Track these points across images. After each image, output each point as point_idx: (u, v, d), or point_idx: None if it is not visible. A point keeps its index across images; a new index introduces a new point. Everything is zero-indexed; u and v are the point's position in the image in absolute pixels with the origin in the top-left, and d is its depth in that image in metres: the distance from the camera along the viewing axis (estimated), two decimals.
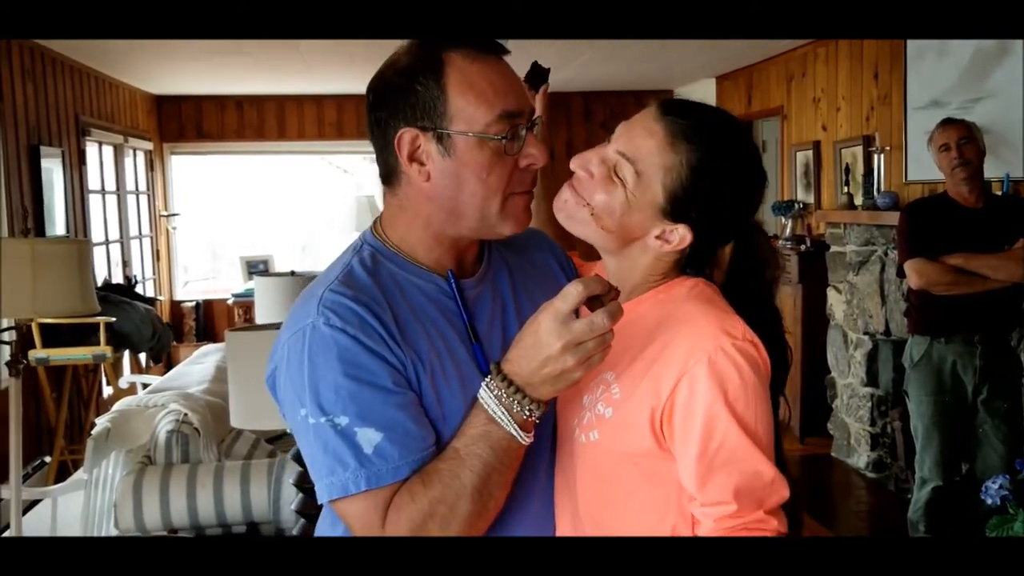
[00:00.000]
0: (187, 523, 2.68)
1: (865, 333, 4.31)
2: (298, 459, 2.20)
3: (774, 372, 1.07)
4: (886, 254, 4.13)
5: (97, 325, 4.31)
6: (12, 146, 4.40)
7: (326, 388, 1.00)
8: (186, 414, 2.89)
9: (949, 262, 3.02)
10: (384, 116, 1.07)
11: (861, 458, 4.40)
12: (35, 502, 3.75)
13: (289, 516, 2.61)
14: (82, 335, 4.38)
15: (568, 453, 1.12)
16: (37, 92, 4.75)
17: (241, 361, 2.06)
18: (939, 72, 4.03)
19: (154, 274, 6.97)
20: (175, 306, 7.29)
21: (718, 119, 1.11)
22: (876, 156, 4.45)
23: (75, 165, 5.25)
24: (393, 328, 1.03)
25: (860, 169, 4.66)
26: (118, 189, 6.22)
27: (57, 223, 4.93)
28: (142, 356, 5.24)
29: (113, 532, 2.72)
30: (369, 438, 0.99)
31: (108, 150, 6.09)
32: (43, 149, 4.72)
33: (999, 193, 3.41)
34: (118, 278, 5.98)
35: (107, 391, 5.25)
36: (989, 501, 2.24)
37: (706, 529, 1.03)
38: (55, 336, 4.28)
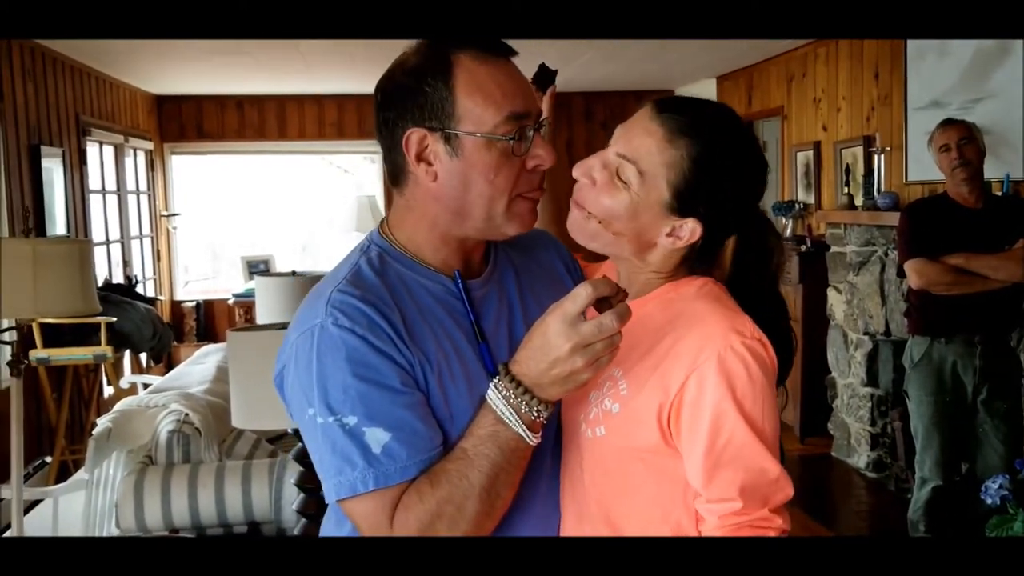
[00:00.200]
0: (188, 523, 2.68)
1: (865, 333, 4.31)
2: (299, 459, 2.20)
3: (779, 361, 1.08)
4: (886, 254, 4.13)
5: (98, 325, 4.31)
6: (13, 146, 4.40)
7: (334, 388, 1.01)
8: (187, 414, 2.89)
9: (949, 262, 3.03)
10: (392, 116, 1.08)
11: (861, 458, 4.40)
12: (36, 502, 3.75)
13: (290, 516, 2.62)
14: (83, 335, 4.38)
15: (574, 449, 1.12)
16: (38, 92, 4.75)
17: (243, 361, 2.07)
18: (939, 72, 4.03)
19: (154, 274, 6.97)
20: (175, 306, 7.29)
21: (713, 111, 1.12)
22: (876, 156, 4.45)
23: (76, 165, 5.25)
24: (401, 328, 1.03)
25: (860, 169, 4.66)
26: (119, 189, 6.23)
27: (58, 223, 4.93)
28: (143, 356, 5.25)
29: (114, 532, 2.72)
30: (377, 438, 1.00)
31: (109, 150, 6.09)
32: (44, 149, 4.72)
33: (999, 193, 3.42)
34: (119, 278, 5.98)
35: (108, 391, 5.25)
36: (989, 501, 2.24)
37: (710, 526, 1.04)
38: (56, 336, 4.29)
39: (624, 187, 1.08)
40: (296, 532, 2.23)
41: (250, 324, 3.98)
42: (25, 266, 2.54)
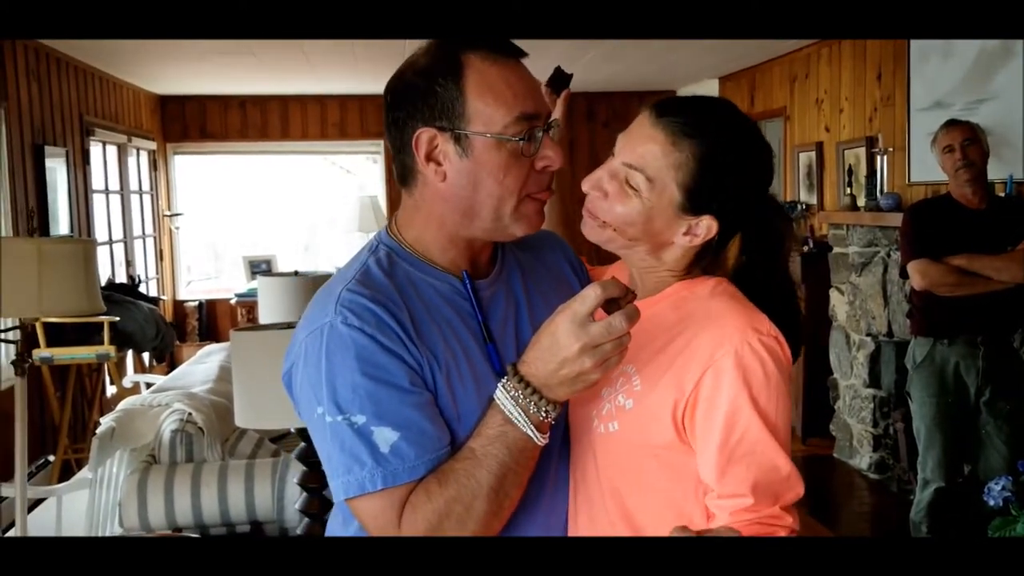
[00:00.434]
0: (191, 522, 2.69)
1: (868, 334, 4.31)
2: (302, 458, 2.20)
3: (789, 343, 1.09)
4: (889, 255, 4.13)
5: (101, 324, 4.32)
6: (17, 146, 4.41)
7: (343, 387, 1.01)
8: (190, 413, 2.90)
9: (952, 263, 3.02)
10: (402, 116, 1.08)
11: (863, 459, 4.40)
12: (40, 501, 3.76)
13: (293, 515, 2.62)
14: (86, 334, 4.39)
15: (586, 445, 1.13)
16: (41, 92, 4.76)
17: (246, 361, 2.07)
18: (943, 73, 4.03)
19: (157, 274, 6.98)
20: (178, 306, 7.30)
21: (711, 107, 1.13)
22: (879, 157, 4.44)
23: (79, 165, 5.26)
24: (410, 328, 1.04)
25: (863, 170, 4.66)
26: (122, 189, 6.24)
27: (61, 223, 4.94)
28: (145, 355, 5.26)
29: (118, 531, 2.73)
30: (386, 437, 1.00)
31: (112, 150, 6.10)
32: (47, 149, 4.73)
33: (1002, 194, 3.42)
34: (121, 278, 5.99)
35: (111, 390, 5.26)
36: (992, 503, 2.23)
37: (721, 522, 1.04)
38: (59, 335, 4.30)
39: (635, 194, 1.08)
40: (299, 531, 2.24)
41: (253, 324, 3.99)
42: (30, 265, 2.54)
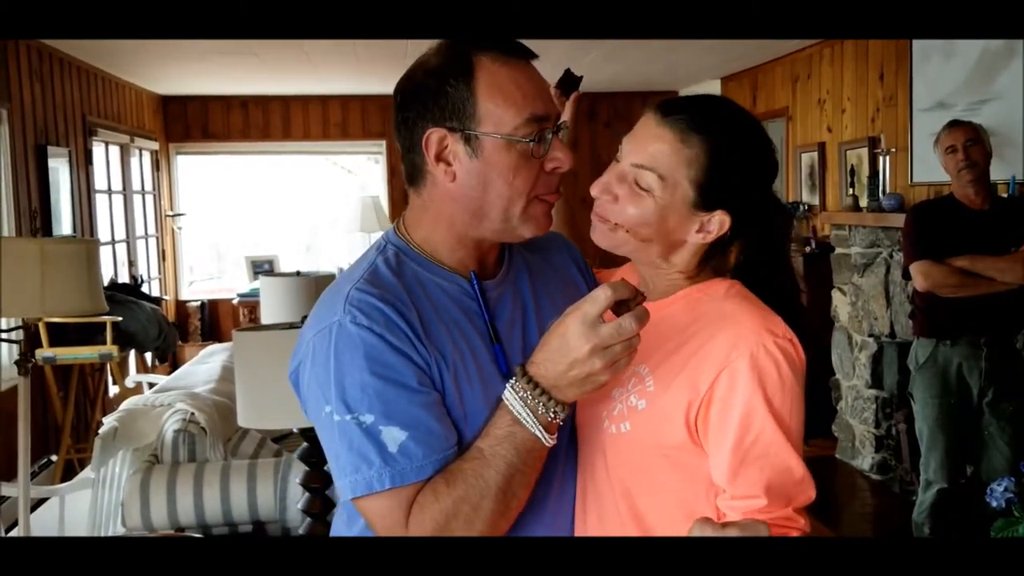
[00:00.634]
0: (194, 522, 2.69)
1: (870, 335, 4.31)
2: (304, 458, 2.20)
3: (788, 312, 1.11)
4: (891, 256, 4.12)
5: (103, 324, 4.32)
6: (20, 146, 4.42)
7: (352, 386, 1.01)
8: (193, 413, 2.90)
9: (955, 264, 3.02)
10: (412, 116, 1.08)
11: (865, 460, 4.39)
12: (42, 500, 3.77)
13: (295, 515, 2.62)
14: (88, 334, 4.40)
15: (596, 446, 1.13)
16: (44, 92, 4.77)
17: (248, 361, 2.07)
18: (945, 74, 4.02)
19: (160, 274, 6.99)
20: (180, 306, 7.31)
21: (713, 103, 1.14)
22: (881, 158, 4.44)
23: (82, 165, 5.27)
24: (418, 327, 1.04)
25: (865, 171, 4.66)
26: (124, 189, 6.24)
27: (63, 223, 4.95)
28: (148, 355, 5.26)
29: (120, 531, 2.73)
30: (394, 436, 1.00)
31: (114, 150, 6.10)
32: (50, 149, 4.74)
33: (1005, 195, 3.41)
34: (124, 278, 6.00)
35: (113, 390, 5.27)
36: (994, 504, 2.23)
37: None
38: (62, 335, 4.30)
39: (647, 194, 1.09)
40: (301, 531, 2.24)
41: (255, 324, 3.99)
42: (33, 266, 2.55)
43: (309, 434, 2.15)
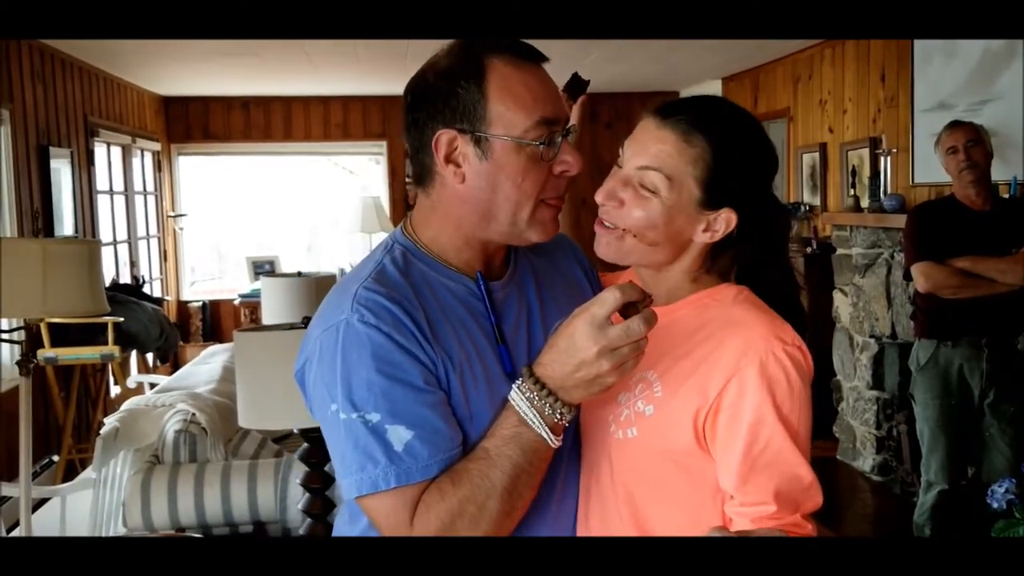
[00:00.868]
0: (195, 522, 2.69)
1: (871, 336, 4.30)
2: (305, 459, 2.20)
3: (789, 310, 1.11)
4: (892, 257, 4.12)
5: (105, 325, 4.33)
6: (22, 147, 4.42)
7: (358, 384, 1.01)
8: (194, 414, 2.91)
9: (956, 265, 3.02)
10: (422, 117, 1.09)
11: (866, 461, 4.39)
12: (44, 500, 3.77)
13: (296, 515, 2.63)
14: (90, 335, 4.40)
15: (601, 450, 1.13)
16: (46, 93, 4.77)
17: (249, 361, 2.08)
18: (946, 74, 4.02)
19: (161, 274, 7.00)
20: (182, 306, 7.31)
21: (713, 102, 1.14)
22: (883, 158, 4.44)
23: (83, 166, 5.27)
24: (425, 327, 1.04)
25: (867, 171, 4.66)
26: (126, 190, 6.25)
27: (65, 223, 4.95)
28: (149, 356, 5.26)
29: (121, 531, 2.73)
30: (400, 436, 1.00)
31: (116, 151, 6.11)
32: (52, 150, 4.74)
33: (1006, 196, 3.41)
34: (126, 278, 6.00)
35: (115, 390, 5.27)
36: (995, 505, 2.22)
37: (742, 528, 1.04)
38: (63, 335, 4.30)
39: (653, 196, 1.09)
40: (301, 532, 2.24)
41: (256, 324, 3.99)
42: (34, 266, 2.55)
43: (309, 435, 2.15)
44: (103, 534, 2.96)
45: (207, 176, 7.88)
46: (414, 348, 1.03)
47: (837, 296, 4.62)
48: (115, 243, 5.93)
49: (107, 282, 5.16)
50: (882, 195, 4.31)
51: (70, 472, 4.42)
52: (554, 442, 1.02)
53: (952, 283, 3.02)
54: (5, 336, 3.12)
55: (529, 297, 1.17)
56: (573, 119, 1.40)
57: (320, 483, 2.19)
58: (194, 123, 7.20)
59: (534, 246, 1.17)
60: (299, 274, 3.27)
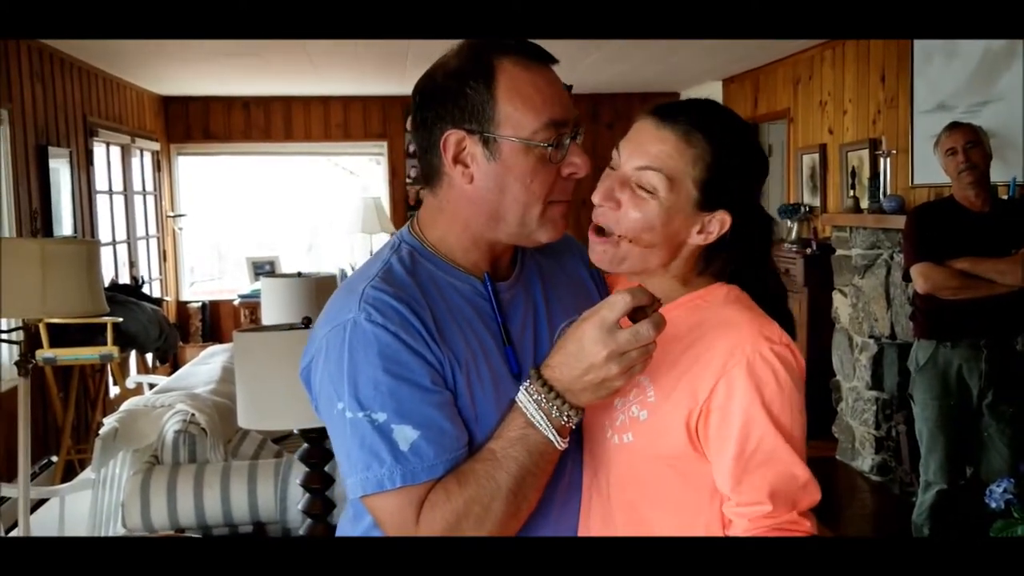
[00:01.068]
0: (194, 523, 2.69)
1: (870, 336, 4.31)
2: (304, 459, 2.20)
3: (778, 310, 1.12)
4: (892, 257, 4.12)
5: (104, 325, 4.33)
6: (21, 147, 4.42)
7: (365, 383, 1.02)
8: (193, 414, 2.90)
9: (955, 266, 3.02)
10: (431, 117, 1.09)
11: (865, 461, 4.39)
12: (42, 501, 3.77)
13: (295, 516, 2.62)
14: (89, 335, 4.40)
15: (600, 454, 1.13)
16: (45, 93, 4.77)
17: (248, 362, 2.07)
18: (946, 75, 4.02)
19: (161, 274, 6.99)
20: (181, 306, 7.31)
21: (709, 106, 1.15)
22: (882, 159, 4.44)
23: (82, 166, 5.27)
24: (432, 327, 1.04)
25: (866, 172, 4.66)
26: (125, 190, 6.25)
27: (64, 224, 4.95)
28: (149, 356, 5.26)
29: (120, 531, 2.73)
30: (406, 435, 1.01)
31: (115, 151, 6.11)
32: (51, 150, 4.74)
33: (1005, 197, 3.41)
34: (125, 279, 6.00)
35: (114, 391, 5.27)
36: (993, 505, 2.23)
37: (740, 529, 1.04)
38: (62, 336, 4.30)
39: (650, 196, 1.09)
40: (301, 532, 2.24)
41: (256, 325, 3.99)
42: (33, 266, 2.55)
43: (309, 435, 2.15)
44: (102, 535, 2.96)
45: (207, 176, 7.88)
46: (421, 348, 1.03)
47: (836, 297, 4.62)
48: (114, 243, 5.93)
49: (106, 282, 5.15)
50: (882, 196, 4.31)
51: (69, 472, 4.42)
52: (561, 444, 1.03)
53: (951, 284, 3.03)
54: (4, 336, 3.11)
55: (536, 298, 1.17)
56: None
57: (320, 484, 2.18)
58: (194, 123, 7.20)
59: (541, 247, 1.17)
60: (299, 274, 3.26)
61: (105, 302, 2.77)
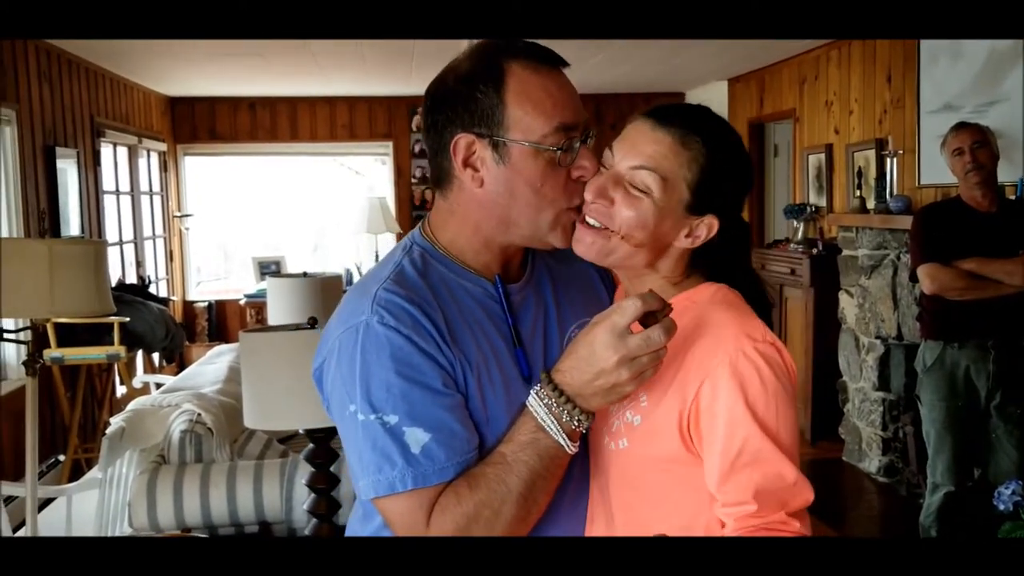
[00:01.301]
0: (200, 522, 2.70)
1: (877, 337, 4.29)
2: (310, 459, 2.21)
3: (760, 310, 1.12)
4: (898, 258, 4.11)
5: (111, 325, 4.34)
6: (28, 147, 4.44)
7: (377, 386, 1.02)
8: (200, 414, 2.91)
9: (962, 267, 3.01)
10: (441, 120, 1.09)
11: (872, 462, 4.38)
12: (50, 500, 3.78)
13: (301, 516, 2.63)
14: (96, 335, 4.41)
15: (599, 460, 1.13)
16: (53, 94, 4.79)
17: (255, 362, 2.08)
18: (953, 75, 4.01)
19: (167, 274, 7.01)
20: (188, 306, 7.33)
21: (703, 111, 1.15)
22: (889, 159, 4.43)
23: (90, 166, 5.29)
24: (444, 329, 1.05)
25: (873, 172, 4.65)
26: (132, 190, 6.27)
27: (72, 224, 4.97)
28: (155, 356, 5.28)
29: (127, 531, 2.74)
30: (417, 438, 1.01)
31: (122, 151, 6.13)
32: (58, 150, 4.76)
33: (1012, 197, 3.40)
34: (132, 278, 6.02)
35: (120, 390, 5.29)
36: (1001, 507, 2.22)
37: (729, 530, 1.04)
38: (69, 335, 4.32)
39: (644, 196, 1.09)
40: (307, 532, 2.24)
41: (262, 325, 4.00)
42: (41, 266, 2.56)
43: (315, 435, 2.16)
44: (109, 534, 2.97)
45: (213, 176, 7.90)
46: (433, 350, 1.03)
47: (843, 297, 4.61)
48: (121, 243, 5.94)
49: (113, 282, 5.17)
50: (888, 196, 4.30)
51: (76, 472, 4.43)
52: (571, 448, 1.03)
53: (958, 285, 3.02)
54: (11, 336, 3.13)
55: (546, 300, 1.17)
56: None
57: (326, 484, 2.19)
58: (200, 123, 7.22)
59: (551, 249, 1.17)
60: (305, 274, 3.27)
61: (112, 302, 2.77)
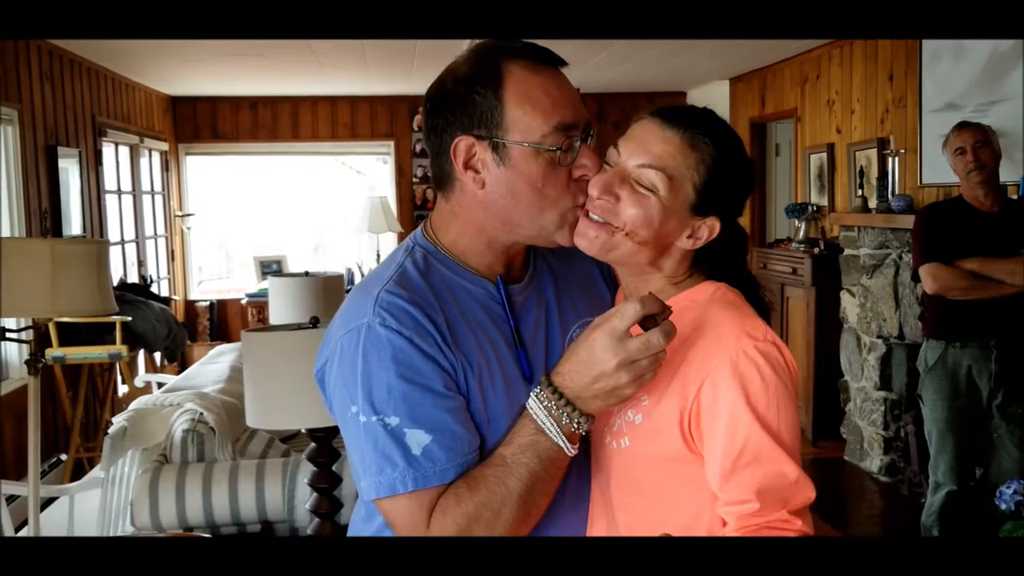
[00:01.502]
0: (202, 521, 2.70)
1: (879, 337, 4.29)
2: (312, 459, 2.21)
3: (757, 312, 1.12)
4: (900, 257, 4.11)
5: (113, 324, 4.34)
6: (30, 147, 4.44)
7: (379, 388, 1.02)
8: (202, 413, 2.91)
9: (964, 267, 3.01)
10: (441, 123, 1.09)
11: (874, 462, 4.38)
12: (52, 499, 3.78)
13: (303, 515, 2.63)
14: (98, 334, 4.42)
15: (600, 460, 1.14)
16: (54, 93, 4.79)
17: (256, 361, 2.08)
18: (955, 75, 4.01)
19: (169, 274, 7.02)
20: (189, 306, 7.33)
21: (708, 114, 1.15)
22: (891, 159, 4.43)
23: (91, 165, 5.29)
24: (445, 331, 1.05)
25: (875, 172, 4.64)
26: (134, 189, 6.27)
27: (74, 223, 4.97)
28: (157, 355, 5.28)
29: (129, 530, 2.74)
30: (418, 440, 1.01)
31: (124, 151, 6.13)
32: (60, 150, 4.76)
33: (1015, 197, 3.39)
34: (133, 278, 6.02)
35: (122, 390, 5.29)
36: (1003, 506, 2.22)
37: (731, 528, 1.04)
38: (71, 335, 4.33)
39: (650, 194, 1.09)
40: (309, 531, 2.24)
41: (263, 324, 4.00)
42: (43, 266, 2.56)
43: (317, 434, 2.16)
44: (111, 533, 2.97)
45: (215, 176, 7.90)
46: (434, 353, 1.03)
47: (845, 297, 4.61)
48: (123, 243, 5.95)
49: (115, 282, 5.17)
50: (890, 196, 4.30)
51: (78, 471, 4.44)
52: (571, 451, 1.03)
53: (960, 285, 3.01)
54: (13, 335, 3.13)
55: (548, 300, 1.17)
56: None
57: (327, 483, 2.19)
58: (202, 123, 7.22)
59: (554, 249, 1.18)
60: (306, 274, 3.27)
61: (114, 301, 2.78)
